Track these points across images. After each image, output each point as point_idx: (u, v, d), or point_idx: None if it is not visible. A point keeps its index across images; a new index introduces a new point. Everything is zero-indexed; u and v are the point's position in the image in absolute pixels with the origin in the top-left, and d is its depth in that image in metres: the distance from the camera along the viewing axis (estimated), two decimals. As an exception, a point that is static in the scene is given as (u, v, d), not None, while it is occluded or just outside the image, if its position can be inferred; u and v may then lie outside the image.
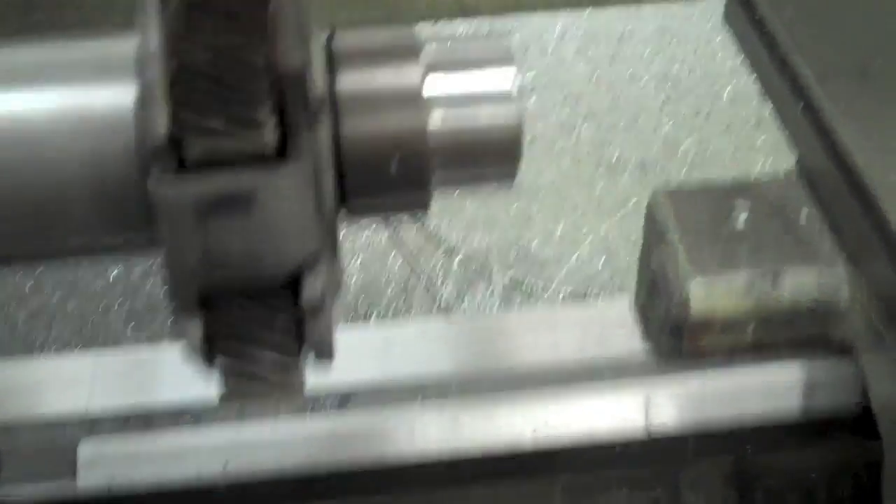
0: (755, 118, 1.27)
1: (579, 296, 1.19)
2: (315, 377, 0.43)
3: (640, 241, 1.25)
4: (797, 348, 0.79)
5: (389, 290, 1.22)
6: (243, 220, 0.37)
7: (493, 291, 1.18)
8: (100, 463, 0.78)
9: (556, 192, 1.22)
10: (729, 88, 1.37)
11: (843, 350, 0.80)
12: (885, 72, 0.82)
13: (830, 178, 0.79)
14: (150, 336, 1.44)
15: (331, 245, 0.40)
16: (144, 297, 1.48)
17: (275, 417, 0.79)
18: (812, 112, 0.80)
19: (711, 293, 0.75)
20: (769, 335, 0.78)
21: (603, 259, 1.19)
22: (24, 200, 0.39)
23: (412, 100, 0.41)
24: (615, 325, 0.83)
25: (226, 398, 0.41)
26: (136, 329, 1.45)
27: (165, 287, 0.39)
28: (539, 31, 1.37)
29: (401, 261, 1.28)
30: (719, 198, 0.81)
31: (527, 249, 1.22)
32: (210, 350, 0.40)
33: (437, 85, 0.42)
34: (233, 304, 0.40)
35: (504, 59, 0.43)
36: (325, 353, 0.41)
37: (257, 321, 0.40)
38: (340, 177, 0.41)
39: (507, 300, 1.17)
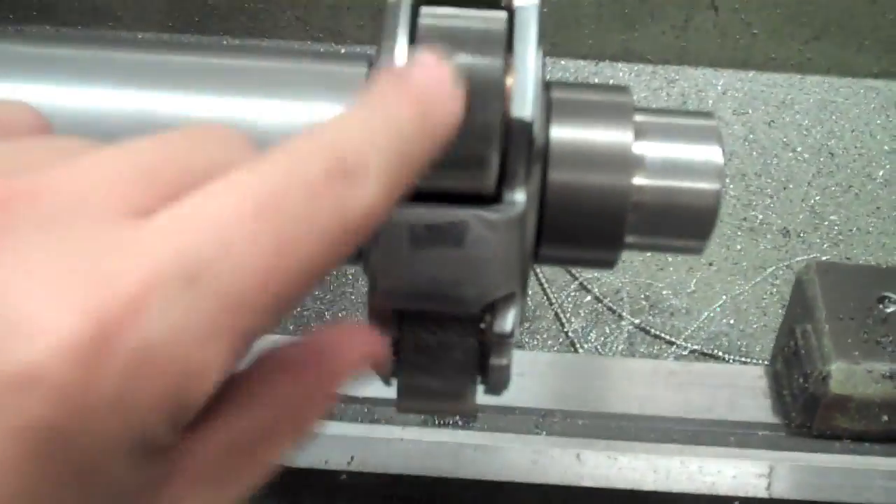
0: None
1: (704, 353, 1.20)
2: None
3: (771, 309, 1.25)
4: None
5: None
6: (453, 252, 0.40)
7: (619, 332, 1.19)
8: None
9: (693, 245, 1.23)
10: (882, 172, 1.36)
11: (974, 453, 0.79)
12: None
13: None
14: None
15: (523, 284, 0.43)
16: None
17: (403, 425, 0.82)
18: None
19: (851, 378, 0.76)
20: (902, 426, 0.78)
21: (732, 321, 1.19)
22: None
23: (620, 160, 0.43)
24: (746, 390, 0.84)
25: (403, 409, 0.44)
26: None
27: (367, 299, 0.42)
28: (701, 85, 1.38)
29: (535, 288, 1.30)
30: (869, 282, 0.82)
31: (657, 297, 1.23)
32: (395, 364, 0.43)
33: (644, 150, 0.44)
34: (424, 326, 0.42)
35: (711, 137, 0.44)
36: (501, 382, 0.44)
37: (444, 344, 0.43)
38: (540, 224, 0.43)
39: (631, 343, 1.19)
